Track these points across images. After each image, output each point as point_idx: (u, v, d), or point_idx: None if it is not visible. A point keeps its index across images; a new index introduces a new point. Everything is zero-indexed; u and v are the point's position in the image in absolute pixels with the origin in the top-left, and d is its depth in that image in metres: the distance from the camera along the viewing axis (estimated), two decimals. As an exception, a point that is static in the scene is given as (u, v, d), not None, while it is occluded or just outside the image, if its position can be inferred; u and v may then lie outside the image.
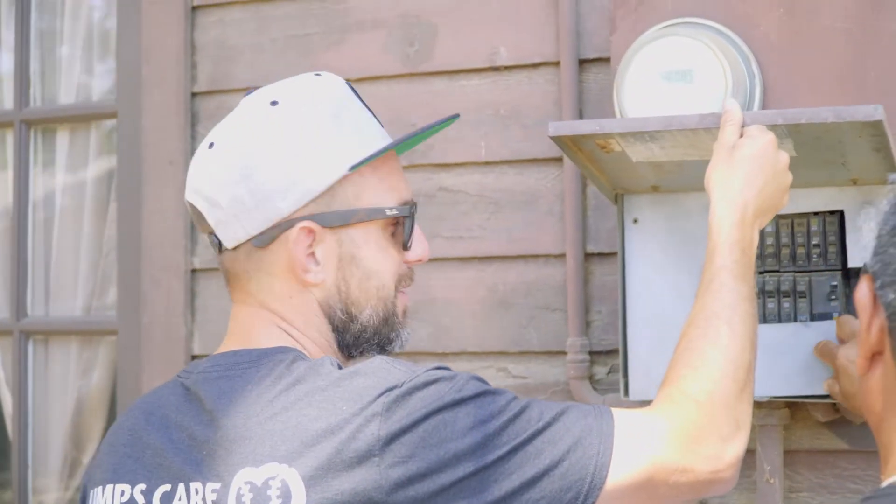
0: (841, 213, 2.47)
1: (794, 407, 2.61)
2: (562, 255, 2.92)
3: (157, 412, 1.85)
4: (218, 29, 3.32)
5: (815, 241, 2.49)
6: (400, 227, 1.94)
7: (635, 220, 2.60)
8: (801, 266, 2.51)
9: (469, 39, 3.04)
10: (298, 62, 3.18)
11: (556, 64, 2.96)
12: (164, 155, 3.32)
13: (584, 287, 2.88)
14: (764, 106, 2.45)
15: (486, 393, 1.73)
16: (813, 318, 2.48)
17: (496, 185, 3.00)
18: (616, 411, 1.79)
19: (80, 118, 3.67)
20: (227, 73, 3.30)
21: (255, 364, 1.79)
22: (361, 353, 1.94)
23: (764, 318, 2.50)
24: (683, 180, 2.49)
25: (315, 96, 1.89)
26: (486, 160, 3.01)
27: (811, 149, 2.21)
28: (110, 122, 3.64)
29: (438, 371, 1.73)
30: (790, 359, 2.46)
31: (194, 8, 3.35)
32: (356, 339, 1.92)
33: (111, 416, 3.64)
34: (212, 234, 1.88)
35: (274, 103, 1.87)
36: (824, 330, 2.45)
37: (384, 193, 1.92)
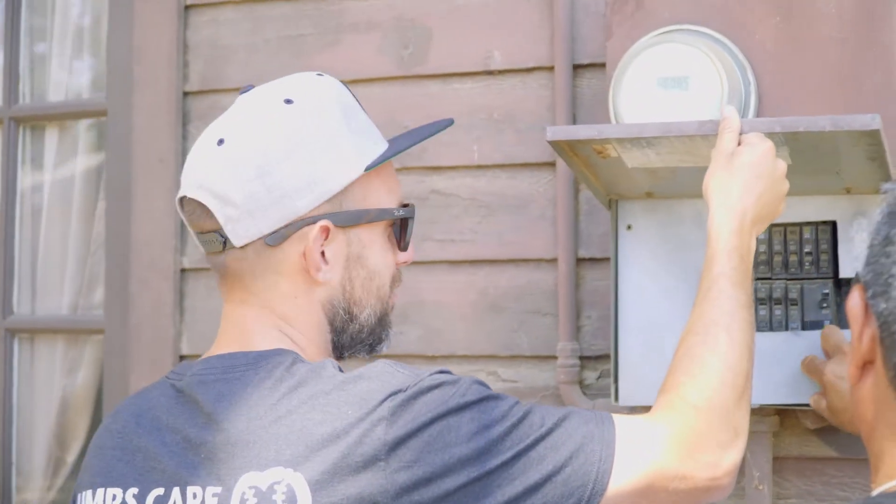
0: (833, 224, 2.48)
1: (783, 414, 2.61)
2: (553, 260, 2.93)
3: (148, 414, 1.84)
4: (211, 28, 3.32)
5: (807, 249, 2.50)
6: (398, 228, 1.96)
7: (629, 227, 2.61)
8: (793, 274, 2.52)
9: (463, 43, 3.05)
10: (292, 63, 3.18)
11: (550, 69, 2.96)
12: (154, 154, 3.31)
13: (576, 292, 2.88)
14: (759, 114, 2.46)
15: (490, 398, 1.73)
16: (804, 325, 2.49)
17: (488, 189, 3.01)
18: (616, 417, 1.79)
19: (70, 116, 3.66)
20: (219, 73, 3.30)
21: (253, 366, 1.78)
22: (352, 354, 1.95)
23: (756, 326, 2.51)
24: (677, 187, 2.50)
25: (326, 96, 1.90)
26: (479, 164, 3.02)
27: (806, 157, 2.22)
28: (100, 120, 3.63)
29: (441, 375, 1.73)
30: (781, 367, 2.47)
31: (187, 7, 3.35)
32: (352, 339, 1.93)
33: (96, 416, 3.62)
34: (215, 231, 1.86)
35: (288, 101, 1.86)
36: (815, 339, 2.46)
37: (386, 195, 1.94)
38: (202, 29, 3.33)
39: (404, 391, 1.69)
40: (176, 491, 1.74)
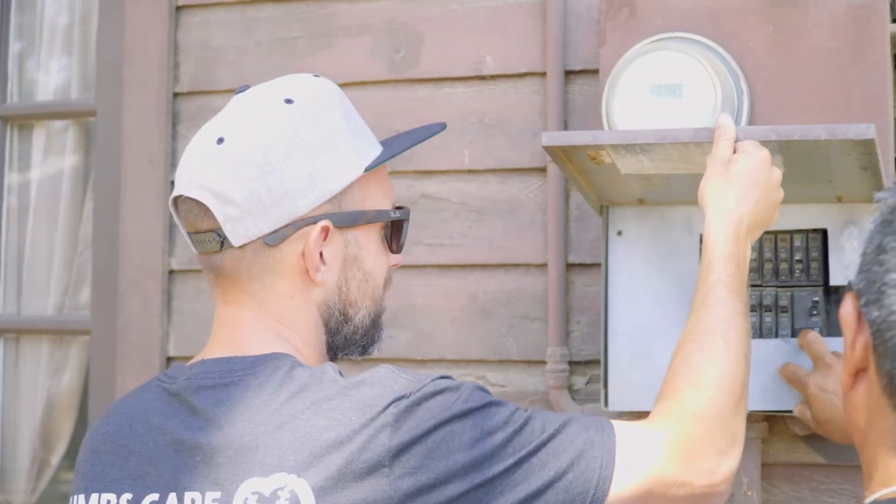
0: (824, 232, 2.50)
1: (772, 420, 2.63)
2: (543, 265, 2.94)
3: (140, 418, 1.83)
4: (202, 30, 3.32)
5: (797, 256, 2.52)
6: (391, 230, 1.97)
7: (620, 233, 2.62)
8: (783, 281, 2.54)
9: (455, 47, 3.06)
10: (283, 65, 3.18)
11: (542, 74, 2.97)
12: (144, 154, 3.31)
13: (565, 297, 2.89)
14: (751, 122, 2.47)
15: (492, 404, 1.74)
16: (794, 333, 2.50)
17: (479, 194, 3.02)
18: (616, 424, 1.80)
19: (58, 115, 3.65)
20: (210, 75, 3.30)
21: (251, 371, 1.78)
22: (346, 355, 1.96)
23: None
24: (669, 194, 2.51)
25: (326, 97, 1.90)
26: (470, 168, 3.02)
27: (798, 165, 2.23)
28: (88, 121, 3.62)
29: (443, 381, 1.74)
30: (770, 374, 2.48)
31: (178, 8, 3.34)
32: (346, 341, 1.93)
33: (81, 418, 3.61)
34: (212, 231, 1.85)
35: (289, 101, 1.86)
36: (804, 346, 2.48)
37: (381, 197, 1.95)
38: (193, 30, 3.33)
39: (407, 397, 1.69)
40: (172, 497, 1.73)
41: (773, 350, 2.48)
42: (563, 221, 2.90)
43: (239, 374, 1.78)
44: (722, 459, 1.85)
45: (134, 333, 3.29)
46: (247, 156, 1.82)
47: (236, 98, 1.93)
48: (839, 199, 2.46)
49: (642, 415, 1.96)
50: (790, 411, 2.49)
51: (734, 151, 2.10)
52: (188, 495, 1.72)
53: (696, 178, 2.29)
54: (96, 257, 3.40)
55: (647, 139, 2.23)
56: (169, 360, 3.26)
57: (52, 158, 3.67)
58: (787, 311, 2.52)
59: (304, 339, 1.88)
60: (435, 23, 3.09)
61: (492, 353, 2.98)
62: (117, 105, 3.36)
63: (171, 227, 3.28)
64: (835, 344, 2.44)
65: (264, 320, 1.87)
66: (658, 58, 2.44)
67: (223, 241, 1.85)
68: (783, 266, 2.53)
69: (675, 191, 2.48)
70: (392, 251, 1.98)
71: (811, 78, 2.46)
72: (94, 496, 1.81)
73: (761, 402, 2.49)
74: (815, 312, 2.50)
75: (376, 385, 1.71)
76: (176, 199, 1.90)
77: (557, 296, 2.88)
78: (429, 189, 3.04)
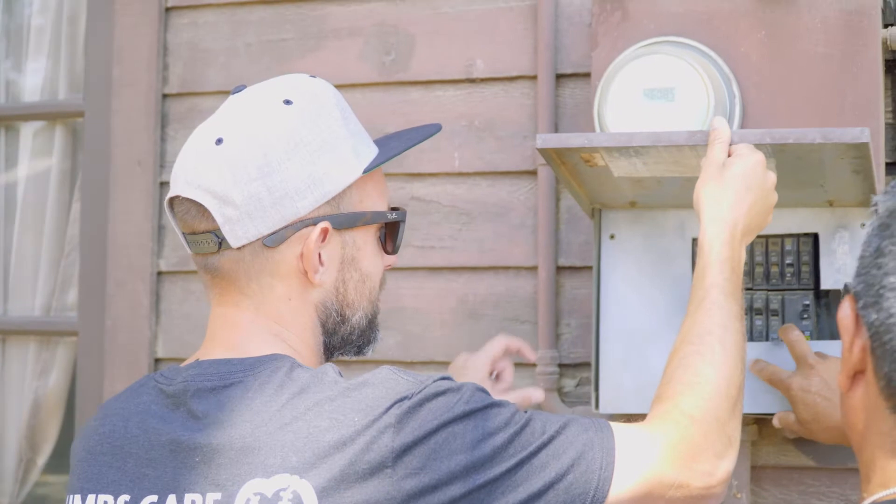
0: (815, 236, 2.51)
1: (761, 423, 2.64)
2: (532, 268, 2.94)
3: (137, 419, 1.82)
4: (191, 31, 3.31)
5: (788, 260, 2.53)
6: (391, 231, 1.98)
7: (612, 236, 2.63)
8: (774, 285, 2.55)
9: (446, 50, 3.06)
10: (273, 67, 3.18)
11: (533, 78, 2.98)
12: (132, 156, 3.30)
13: (555, 300, 2.90)
14: (743, 126, 2.48)
15: (493, 405, 1.75)
16: (786, 343, 2.51)
17: (469, 197, 3.02)
18: (614, 426, 1.81)
19: (46, 116, 3.64)
20: (199, 76, 3.30)
21: (251, 372, 1.78)
22: (342, 355, 1.96)
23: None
24: (662, 197, 2.52)
25: (324, 98, 1.91)
26: (460, 171, 3.03)
27: (791, 169, 2.24)
28: (76, 122, 3.61)
29: (445, 382, 1.74)
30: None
31: (167, 9, 3.34)
32: (343, 341, 1.94)
33: (68, 419, 3.60)
34: (210, 232, 1.85)
35: (288, 102, 1.87)
36: (794, 350, 2.48)
37: (378, 198, 1.95)
38: (182, 31, 3.33)
39: (410, 398, 1.70)
40: (172, 498, 1.73)
41: (763, 353, 2.49)
42: (553, 224, 2.91)
43: (238, 375, 1.78)
44: (719, 462, 1.86)
45: (122, 335, 3.28)
46: (246, 157, 1.82)
47: (233, 98, 1.92)
48: (830, 204, 2.47)
49: (633, 417, 1.97)
50: (780, 414, 2.51)
51: (729, 155, 2.11)
52: (188, 497, 1.72)
53: (688, 182, 2.30)
54: (84, 258, 3.40)
55: (641, 142, 2.23)
56: (157, 361, 3.26)
57: (38, 159, 3.66)
58: (777, 315, 2.53)
59: (302, 340, 1.88)
60: (425, 25, 3.09)
61: (481, 355, 2.97)
62: (106, 106, 3.36)
63: (160, 228, 3.28)
64: (824, 347, 2.45)
65: (262, 321, 1.87)
66: (651, 62, 2.44)
67: (221, 243, 1.85)
68: (774, 270, 2.54)
69: (667, 194, 2.49)
70: (387, 252, 1.99)
71: (803, 83, 2.47)
72: (91, 497, 1.81)
73: (751, 406, 2.49)
74: (805, 316, 2.51)
75: (378, 386, 1.72)
76: (172, 199, 1.90)
77: (547, 298, 2.89)
78: (419, 191, 3.04)
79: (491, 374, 2.40)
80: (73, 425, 3.48)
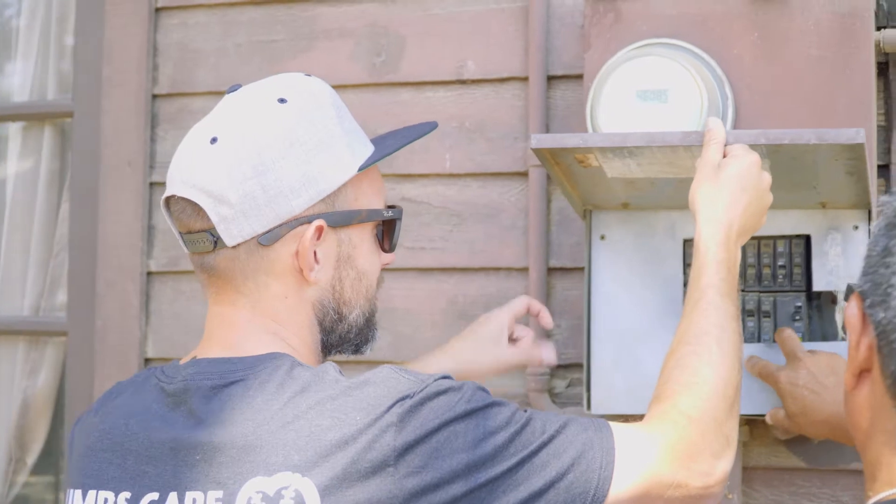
0: (807, 237, 2.52)
1: (752, 424, 2.65)
2: (523, 269, 2.94)
3: (138, 416, 1.82)
4: (181, 32, 3.31)
5: (780, 262, 2.54)
6: (387, 229, 1.98)
7: (602, 237, 2.64)
8: (766, 286, 2.56)
9: (437, 52, 3.06)
10: (264, 68, 3.18)
11: (524, 79, 2.98)
12: (122, 156, 3.30)
13: (546, 301, 2.90)
14: (735, 128, 2.49)
15: (494, 404, 1.75)
16: (776, 340, 2.52)
17: (459, 198, 3.02)
18: (613, 425, 1.82)
19: (34, 117, 3.64)
20: (189, 77, 3.29)
21: (251, 371, 1.78)
22: (339, 353, 1.97)
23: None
24: (654, 198, 2.53)
25: (319, 96, 1.91)
26: (451, 172, 3.03)
27: (784, 170, 2.25)
28: (64, 122, 3.61)
29: (446, 381, 1.75)
30: (752, 378, 2.49)
31: (157, 10, 3.33)
32: (341, 339, 1.94)
33: (57, 418, 3.60)
34: (206, 231, 1.85)
35: (282, 101, 1.87)
36: (786, 350, 2.49)
37: (374, 196, 1.95)
38: (172, 32, 3.32)
39: (411, 397, 1.70)
40: (173, 496, 1.74)
41: (755, 354, 2.50)
42: (544, 226, 2.91)
43: (239, 373, 1.79)
44: (717, 461, 1.86)
45: (112, 335, 3.28)
46: (241, 155, 1.82)
47: (228, 97, 1.93)
48: (823, 206, 2.48)
49: (625, 418, 1.97)
50: (772, 415, 2.52)
51: (724, 156, 2.12)
52: (189, 495, 1.72)
53: (681, 183, 2.31)
54: (73, 259, 3.39)
55: (636, 142, 2.24)
56: (147, 361, 3.25)
57: (27, 160, 3.65)
58: (769, 317, 2.54)
59: (300, 338, 1.89)
60: (416, 27, 3.09)
61: (472, 356, 2.97)
62: (95, 106, 3.35)
63: (150, 228, 3.28)
64: (816, 348, 2.46)
65: (259, 320, 1.87)
66: (644, 63, 2.45)
67: (217, 242, 1.85)
68: (766, 271, 2.55)
69: (659, 195, 2.50)
70: (384, 250, 1.99)
71: (796, 85, 2.47)
72: (92, 493, 1.82)
73: (743, 406, 2.47)
74: (797, 317, 2.52)
75: (380, 385, 1.72)
76: (168, 198, 1.90)
77: (538, 299, 2.88)
78: (409, 192, 3.05)
79: (511, 335, 2.44)
80: (63, 425, 3.48)
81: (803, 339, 2.49)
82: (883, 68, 2.69)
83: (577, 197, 2.58)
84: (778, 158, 2.21)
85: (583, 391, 2.63)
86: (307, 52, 3.18)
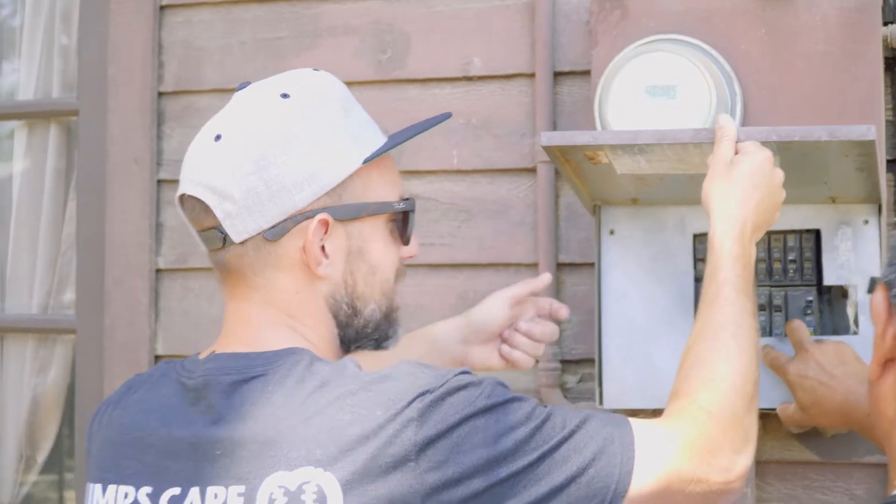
0: (817, 232, 2.53)
1: (765, 418, 2.65)
2: (533, 265, 2.95)
3: (159, 411, 1.83)
4: (185, 29, 3.31)
5: (791, 256, 2.55)
6: (400, 222, 1.97)
7: (612, 232, 2.64)
8: (776, 281, 2.57)
9: (442, 48, 3.07)
10: (268, 65, 3.18)
11: (530, 76, 2.99)
12: (129, 154, 3.30)
13: (556, 296, 2.90)
14: (744, 124, 2.50)
15: (514, 399, 1.75)
16: (786, 332, 2.53)
17: (468, 194, 3.03)
18: (633, 421, 1.82)
19: (40, 115, 3.64)
20: (194, 74, 3.29)
21: (270, 366, 1.79)
22: (359, 349, 1.95)
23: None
24: (663, 193, 2.53)
25: (322, 90, 1.91)
26: (458, 169, 3.03)
27: (794, 166, 2.25)
28: (70, 120, 3.61)
29: (466, 376, 1.75)
30: (764, 372, 2.50)
31: (162, 7, 3.33)
32: (357, 334, 1.93)
33: (67, 416, 3.61)
34: (215, 228, 1.87)
35: (285, 96, 1.87)
36: (797, 344, 2.50)
37: (387, 188, 1.95)
38: (177, 30, 3.32)
39: (432, 392, 1.70)
40: (194, 491, 1.74)
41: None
42: (552, 221, 2.92)
43: (258, 368, 1.79)
44: (737, 457, 1.87)
45: (121, 332, 3.28)
46: (243, 152, 1.83)
47: (236, 95, 1.94)
48: (833, 200, 2.49)
49: (637, 412, 1.98)
50: (784, 409, 2.53)
51: (735, 152, 2.12)
52: (211, 490, 1.73)
53: (690, 179, 2.32)
54: (81, 257, 3.39)
55: (647, 140, 2.25)
56: (157, 358, 3.26)
57: (33, 158, 3.65)
58: (780, 311, 2.55)
59: (316, 333, 1.89)
60: (421, 24, 3.09)
61: (482, 351, 2.98)
62: (101, 104, 3.35)
63: (158, 226, 3.28)
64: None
65: (274, 314, 1.88)
66: (652, 59, 2.46)
67: (225, 238, 1.86)
68: (777, 266, 2.56)
69: (668, 191, 2.51)
70: (402, 243, 1.98)
71: (804, 80, 2.48)
72: (112, 487, 1.82)
73: (755, 400, 2.52)
74: (808, 311, 2.53)
75: (400, 380, 1.73)
76: (180, 197, 1.92)
77: (548, 295, 2.88)
78: (417, 189, 3.05)
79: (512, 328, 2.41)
80: (73, 423, 3.48)
81: (814, 334, 2.50)
82: (890, 63, 2.69)
83: (587, 193, 2.59)
84: (788, 155, 2.22)
85: (595, 386, 2.64)
86: (312, 50, 3.18)
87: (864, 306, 2.49)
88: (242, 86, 1.95)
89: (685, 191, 2.44)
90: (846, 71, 2.45)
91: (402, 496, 1.66)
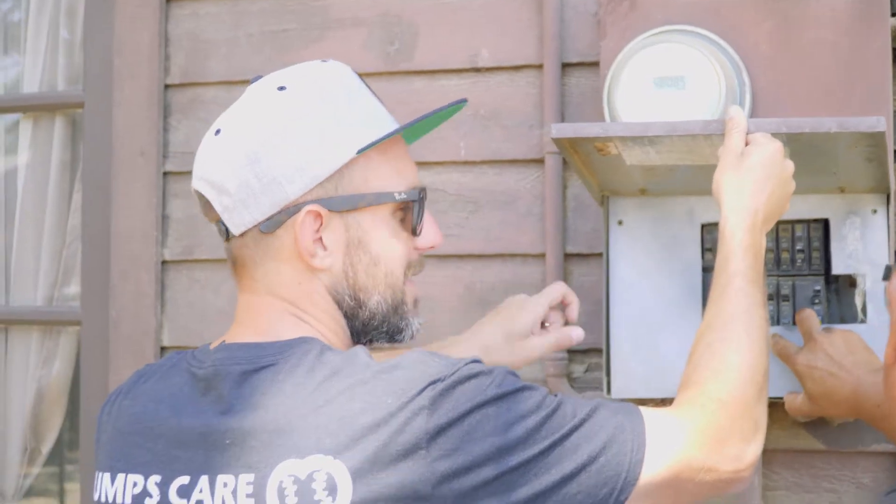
0: (826, 222, 2.53)
1: (772, 407, 2.64)
2: (540, 255, 2.96)
3: (168, 401, 1.84)
4: (192, 22, 3.31)
5: (799, 246, 2.55)
6: (409, 212, 1.95)
7: (620, 222, 2.65)
8: (784, 270, 2.57)
9: (450, 40, 3.07)
10: (275, 58, 3.19)
11: (538, 67, 2.99)
12: (135, 147, 3.31)
13: (564, 287, 2.91)
14: (752, 115, 2.50)
15: (524, 388, 1.76)
16: (796, 322, 2.54)
17: (475, 185, 3.03)
18: (644, 410, 1.83)
19: (45, 108, 3.64)
20: (201, 67, 3.29)
21: (281, 355, 1.79)
22: (370, 342, 1.95)
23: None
24: (671, 184, 2.54)
25: (323, 81, 1.90)
26: (466, 160, 3.04)
27: (803, 157, 2.26)
28: (76, 112, 3.61)
29: (476, 365, 1.75)
30: (772, 361, 2.50)
31: (168, 0, 3.34)
32: (365, 327, 1.92)
33: (72, 408, 3.61)
34: (218, 221, 1.89)
35: (281, 88, 1.88)
36: (805, 334, 2.51)
37: (393, 178, 1.92)
38: (183, 22, 3.32)
39: (443, 380, 1.70)
40: (203, 479, 1.75)
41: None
42: (560, 212, 2.93)
43: (268, 358, 1.79)
44: (747, 446, 1.88)
45: (126, 324, 3.29)
46: (237, 145, 1.85)
47: (247, 89, 1.95)
48: (841, 190, 2.50)
49: (644, 402, 1.98)
50: (792, 398, 2.54)
51: (746, 143, 2.13)
52: (221, 478, 1.73)
53: (699, 169, 2.33)
54: (87, 249, 3.40)
55: (657, 131, 2.25)
56: (163, 349, 3.27)
57: (38, 150, 3.66)
58: (788, 300, 2.55)
59: (323, 323, 1.89)
60: (429, 15, 3.09)
61: (490, 342, 2.98)
62: (107, 97, 3.36)
63: (164, 218, 3.29)
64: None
65: (280, 305, 1.88)
66: (661, 50, 2.46)
67: (227, 231, 1.89)
68: (785, 255, 2.57)
69: (677, 181, 2.52)
70: (413, 234, 1.96)
71: (812, 71, 2.49)
72: (121, 476, 1.83)
73: (762, 390, 2.52)
74: (816, 301, 2.54)
75: (410, 368, 1.73)
76: (195, 191, 1.94)
77: (557, 286, 2.90)
78: (424, 180, 2.98)
79: (543, 323, 2.38)
80: (78, 415, 3.48)
81: (823, 323, 2.51)
82: (898, 54, 2.70)
83: (595, 183, 2.60)
84: (797, 145, 2.22)
85: (602, 376, 2.65)
86: (319, 42, 3.19)
87: (872, 295, 2.50)
88: (255, 79, 1.95)
89: (693, 181, 2.45)
90: (854, 61, 2.46)
91: (413, 484, 1.66)
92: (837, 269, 2.52)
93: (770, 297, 2.55)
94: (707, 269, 2.57)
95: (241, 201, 1.84)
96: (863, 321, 2.50)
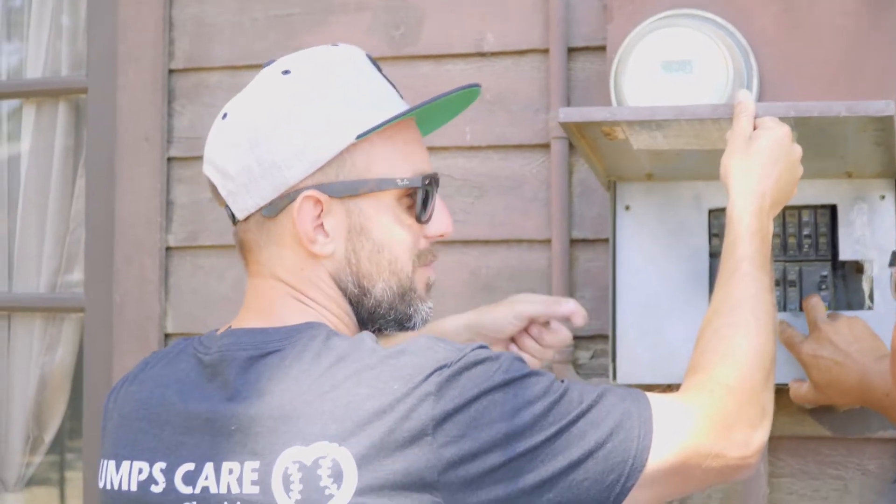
0: (833, 207, 2.52)
1: (778, 394, 2.63)
2: (546, 241, 2.95)
3: (174, 386, 1.83)
4: (196, 6, 3.30)
5: (806, 231, 2.55)
6: (416, 198, 1.90)
7: (627, 207, 2.64)
8: (791, 256, 2.57)
9: (456, 24, 3.06)
10: (280, 42, 3.17)
11: (544, 51, 2.98)
12: (139, 132, 3.30)
13: (569, 272, 2.90)
14: (759, 99, 2.50)
15: (531, 374, 1.74)
16: (803, 307, 2.53)
17: (481, 170, 3.02)
18: (651, 396, 1.82)
19: (48, 93, 3.63)
20: (205, 51, 3.28)
21: (287, 341, 1.77)
22: (379, 330, 1.92)
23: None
24: (679, 169, 2.53)
25: (330, 66, 1.88)
26: (471, 145, 3.03)
27: (811, 141, 2.25)
28: (79, 98, 3.60)
29: (483, 351, 1.73)
30: (777, 347, 2.50)
31: (172, -16, 3.34)
32: (371, 315, 1.90)
33: (75, 395, 3.60)
34: (224, 206, 1.89)
35: (286, 72, 1.86)
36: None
37: (398, 164, 1.88)
38: (188, 6, 3.31)
39: (449, 366, 1.69)
40: (209, 466, 1.74)
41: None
42: (566, 197, 2.91)
43: (275, 344, 1.78)
44: (754, 432, 1.87)
45: (130, 311, 3.28)
46: (240, 130, 1.84)
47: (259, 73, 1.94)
48: (849, 175, 2.49)
49: (650, 388, 1.97)
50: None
51: (754, 128, 2.12)
52: (226, 465, 1.72)
53: (706, 154, 2.32)
54: (90, 235, 3.39)
55: (665, 115, 2.24)
56: (167, 336, 3.26)
57: (41, 136, 3.65)
58: (795, 286, 2.55)
59: (328, 309, 1.87)
60: (435, -1, 3.09)
61: (495, 328, 2.98)
62: (111, 82, 3.34)
63: (168, 203, 3.28)
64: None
65: (284, 289, 1.87)
66: (669, 34, 2.46)
67: (233, 215, 1.88)
68: (792, 241, 2.56)
69: (684, 166, 2.51)
70: (417, 221, 1.92)
71: (820, 54, 2.48)
72: (126, 463, 1.82)
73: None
74: (823, 287, 2.53)
75: (417, 354, 1.71)
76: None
77: (561, 271, 2.90)
78: (430, 165, 3.04)
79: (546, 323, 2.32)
80: (81, 401, 3.47)
81: (829, 309, 2.50)
82: (907, 37, 2.69)
83: (602, 168, 2.59)
84: (805, 130, 2.22)
85: (608, 362, 2.64)
86: (324, 26, 3.17)
87: (879, 281, 2.49)
88: (268, 63, 1.93)
89: (700, 166, 2.44)
90: (862, 45, 2.45)
91: (419, 471, 1.65)
92: (844, 254, 2.51)
93: (777, 283, 2.54)
94: (714, 255, 2.56)
95: (243, 185, 1.83)
96: (870, 307, 2.50)
